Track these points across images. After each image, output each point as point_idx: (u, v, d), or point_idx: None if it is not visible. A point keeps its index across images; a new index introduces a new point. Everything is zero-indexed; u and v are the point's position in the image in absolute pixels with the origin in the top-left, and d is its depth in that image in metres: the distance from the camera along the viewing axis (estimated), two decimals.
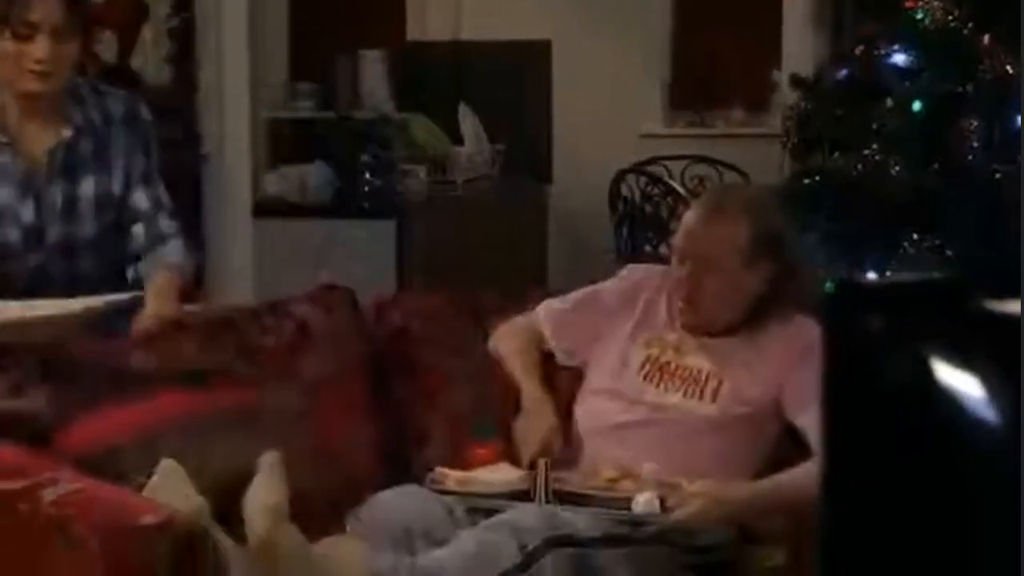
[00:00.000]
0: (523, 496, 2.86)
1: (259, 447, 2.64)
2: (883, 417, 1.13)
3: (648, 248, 6.41)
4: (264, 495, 2.55)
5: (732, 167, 6.74)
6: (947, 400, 1.07)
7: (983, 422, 1.06)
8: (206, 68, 5.63)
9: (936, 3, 3.79)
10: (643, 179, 6.58)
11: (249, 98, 5.79)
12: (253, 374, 3.04)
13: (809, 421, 2.87)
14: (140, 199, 3.22)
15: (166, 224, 3.25)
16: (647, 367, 3.09)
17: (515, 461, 3.03)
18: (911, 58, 3.86)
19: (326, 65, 7.06)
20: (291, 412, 3.01)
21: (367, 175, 6.33)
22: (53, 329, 2.96)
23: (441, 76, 7.07)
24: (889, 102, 3.86)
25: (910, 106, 3.81)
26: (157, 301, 3.11)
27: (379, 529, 2.71)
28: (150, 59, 5.63)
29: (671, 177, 6.65)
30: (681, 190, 6.39)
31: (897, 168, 3.79)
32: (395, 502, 2.80)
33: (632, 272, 3.34)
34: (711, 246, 3.03)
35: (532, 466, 2.94)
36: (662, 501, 2.78)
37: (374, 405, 3.17)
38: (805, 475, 2.77)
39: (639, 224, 6.51)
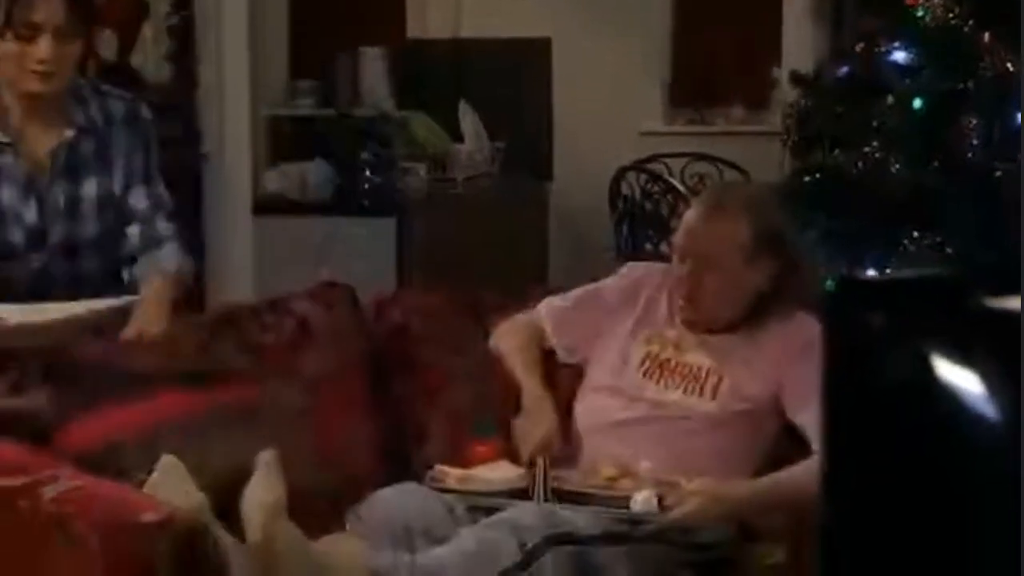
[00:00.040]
0: (522, 494, 2.86)
1: (259, 444, 2.64)
2: (883, 414, 1.13)
3: (648, 246, 6.41)
4: (261, 493, 2.55)
5: (732, 165, 6.74)
6: (947, 397, 1.07)
7: (983, 419, 1.06)
8: (206, 66, 5.63)
9: (936, 0, 3.79)
10: (643, 177, 6.58)
11: (249, 96, 5.79)
12: (253, 371, 3.04)
13: (808, 418, 2.87)
14: (138, 199, 3.21)
15: (163, 226, 3.23)
16: (647, 364, 3.09)
17: (515, 459, 3.03)
18: (911, 55, 3.86)
19: (326, 63, 7.06)
20: (291, 409, 3.00)
21: (367, 173, 6.33)
22: (56, 333, 2.96)
23: (441, 74, 7.07)
24: (889, 99, 3.86)
25: (910, 103, 3.81)
26: (144, 316, 3.07)
27: (379, 527, 2.71)
28: (150, 57, 5.63)
29: (671, 175, 6.65)
30: (681, 188, 6.40)
31: (897, 165, 3.79)
32: (395, 500, 2.80)
33: (633, 270, 3.34)
34: (712, 244, 3.03)
35: (532, 464, 2.94)
36: (660, 499, 2.78)
37: (374, 403, 3.17)
38: (804, 473, 2.77)
39: (639, 222, 6.51)
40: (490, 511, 2.77)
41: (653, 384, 3.06)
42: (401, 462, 3.09)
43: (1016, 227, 3.38)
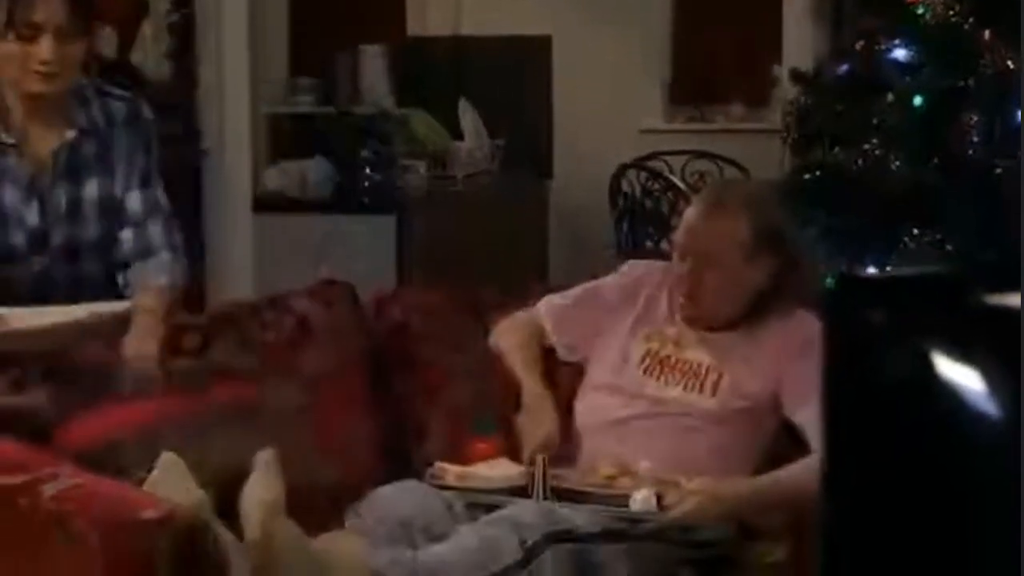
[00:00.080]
0: (522, 492, 2.86)
1: (259, 442, 2.64)
2: (883, 411, 1.13)
3: (649, 243, 6.41)
4: (261, 491, 2.55)
5: (732, 162, 6.74)
6: (947, 394, 1.07)
7: (983, 416, 1.06)
8: (206, 64, 5.63)
9: None
10: (643, 174, 6.58)
11: (249, 93, 5.79)
12: (253, 369, 3.04)
13: (807, 416, 2.87)
14: (133, 202, 3.15)
15: (156, 232, 3.16)
16: (647, 361, 3.09)
17: (515, 457, 3.03)
18: (912, 53, 3.86)
19: (326, 60, 7.06)
20: (291, 407, 3.00)
21: (367, 170, 6.33)
22: (57, 337, 2.95)
23: (441, 71, 7.07)
24: (890, 97, 3.86)
25: (911, 101, 3.81)
26: (138, 335, 2.99)
27: (379, 524, 2.71)
28: (150, 55, 5.63)
29: (671, 172, 6.65)
30: (681, 185, 6.40)
31: (897, 163, 3.79)
32: (395, 497, 2.80)
33: (633, 268, 3.34)
34: (712, 242, 3.03)
35: (531, 462, 2.94)
36: (659, 498, 2.78)
37: (374, 400, 3.17)
38: (804, 471, 2.77)
39: (639, 219, 6.52)
40: (489, 508, 2.77)
41: (653, 381, 3.06)
42: (401, 460, 3.09)
43: (1016, 224, 3.37)
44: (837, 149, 3.95)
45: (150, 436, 2.73)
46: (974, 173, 3.70)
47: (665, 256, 3.97)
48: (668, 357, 3.08)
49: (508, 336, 3.25)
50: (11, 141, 3.08)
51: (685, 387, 3.03)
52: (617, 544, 2.66)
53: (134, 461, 2.62)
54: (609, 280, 3.29)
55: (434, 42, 7.15)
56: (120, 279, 3.16)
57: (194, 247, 4.43)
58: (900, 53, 3.88)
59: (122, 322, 3.02)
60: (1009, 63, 3.69)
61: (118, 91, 3.28)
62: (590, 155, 6.86)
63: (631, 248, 6.37)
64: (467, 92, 6.81)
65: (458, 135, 6.72)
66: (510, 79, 7.07)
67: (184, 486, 2.51)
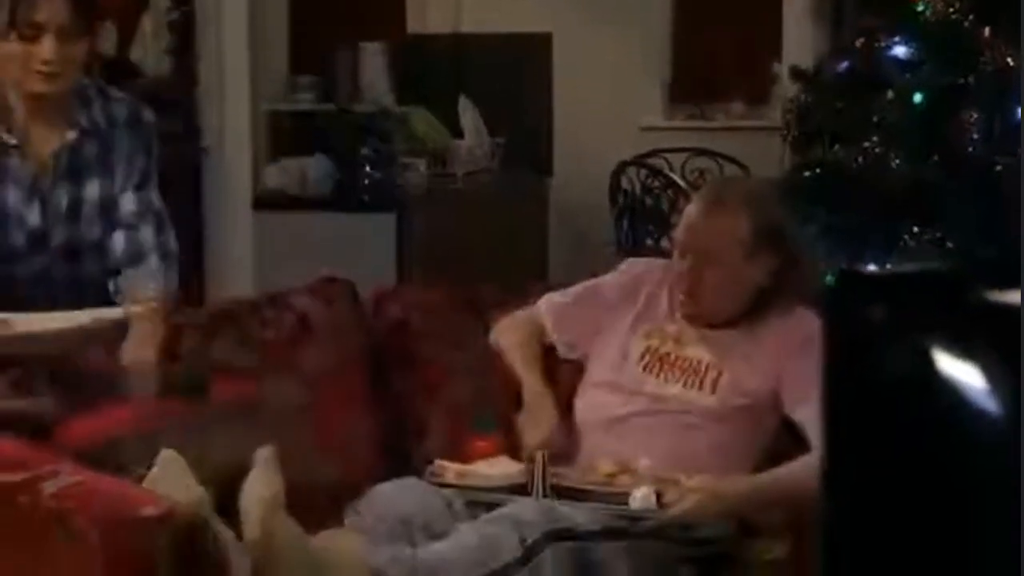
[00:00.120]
0: (521, 490, 2.86)
1: (259, 439, 2.64)
2: (884, 408, 1.12)
3: (649, 241, 6.41)
4: (260, 488, 2.55)
5: (732, 160, 6.74)
6: (948, 391, 1.07)
7: (984, 413, 1.06)
8: (206, 60, 5.63)
9: None
10: (643, 172, 6.58)
11: (249, 91, 5.79)
12: (253, 366, 3.04)
13: (807, 414, 2.87)
14: (127, 202, 3.14)
15: (147, 236, 3.14)
16: (647, 358, 3.09)
17: (515, 455, 3.03)
18: (912, 50, 3.85)
19: (326, 58, 7.06)
20: (291, 405, 3.01)
21: (367, 168, 6.33)
22: (61, 342, 2.94)
23: (441, 69, 7.07)
24: (890, 94, 3.86)
25: (911, 98, 3.81)
26: (135, 345, 2.98)
27: (378, 522, 2.71)
28: (150, 51, 5.64)
29: (671, 170, 6.65)
30: (681, 183, 6.40)
31: (897, 160, 3.79)
32: (395, 495, 2.80)
33: (633, 266, 3.34)
34: (712, 239, 3.03)
35: (532, 460, 2.94)
36: (659, 496, 2.78)
37: (374, 398, 3.17)
38: (804, 469, 2.77)
39: (639, 217, 6.51)
40: (489, 506, 2.77)
41: (653, 378, 3.06)
42: (401, 457, 3.09)
43: (1016, 221, 3.37)
44: (837, 147, 3.95)
45: (150, 433, 2.72)
46: (974, 170, 3.70)
47: (665, 254, 3.97)
48: (668, 354, 3.08)
49: (508, 334, 3.25)
50: (13, 142, 3.08)
51: (685, 384, 3.03)
52: (617, 542, 2.66)
53: (134, 458, 2.62)
54: (609, 278, 3.29)
55: (434, 40, 7.15)
56: (111, 286, 3.13)
57: (194, 245, 4.42)
58: (900, 50, 3.88)
59: (126, 327, 3.02)
60: (1009, 60, 3.69)
61: (120, 92, 3.27)
62: (590, 153, 6.86)
63: (631, 246, 6.36)
64: (467, 90, 6.81)
65: (458, 133, 6.72)
66: (510, 77, 7.07)
67: (184, 483, 2.51)
